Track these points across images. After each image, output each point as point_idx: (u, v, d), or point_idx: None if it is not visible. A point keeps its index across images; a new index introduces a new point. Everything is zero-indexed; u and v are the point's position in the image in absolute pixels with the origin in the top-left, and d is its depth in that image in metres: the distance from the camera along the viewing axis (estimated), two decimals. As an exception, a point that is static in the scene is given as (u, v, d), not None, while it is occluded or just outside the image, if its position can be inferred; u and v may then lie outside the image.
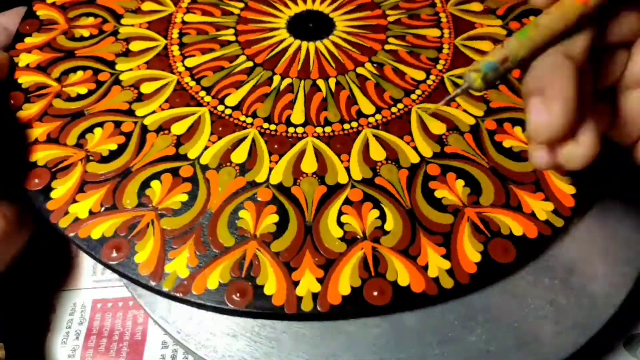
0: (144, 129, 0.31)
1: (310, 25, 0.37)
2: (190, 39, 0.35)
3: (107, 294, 0.30)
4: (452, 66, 0.34)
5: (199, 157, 0.29)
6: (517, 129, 0.31)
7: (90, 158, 0.29)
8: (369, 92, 0.33)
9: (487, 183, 0.28)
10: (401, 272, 0.25)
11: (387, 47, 0.35)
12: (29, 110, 0.31)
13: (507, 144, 0.30)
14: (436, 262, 0.26)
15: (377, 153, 0.30)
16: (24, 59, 0.34)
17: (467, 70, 0.21)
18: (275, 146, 0.30)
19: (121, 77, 0.33)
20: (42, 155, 0.29)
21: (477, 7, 0.38)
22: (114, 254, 0.26)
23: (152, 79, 0.33)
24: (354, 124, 0.31)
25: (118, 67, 0.34)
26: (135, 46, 0.35)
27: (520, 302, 0.26)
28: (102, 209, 0.28)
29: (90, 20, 0.36)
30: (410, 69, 0.34)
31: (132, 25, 0.36)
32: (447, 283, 0.25)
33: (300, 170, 0.29)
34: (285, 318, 0.25)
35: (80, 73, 0.33)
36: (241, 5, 0.38)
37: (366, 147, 0.30)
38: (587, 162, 0.20)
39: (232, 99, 0.32)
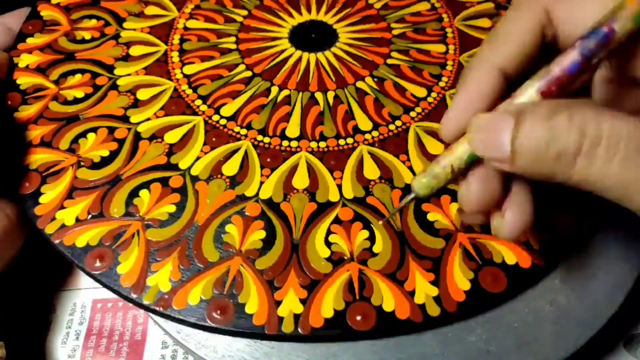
0: (137, 136, 0.30)
1: (312, 36, 0.36)
2: (190, 46, 0.35)
3: (107, 294, 0.30)
4: (455, 84, 0.33)
5: (189, 168, 0.29)
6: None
7: (82, 164, 0.29)
8: (367, 108, 0.32)
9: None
10: (387, 297, 0.25)
11: (389, 61, 0.35)
12: (26, 112, 0.31)
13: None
14: (424, 288, 0.25)
15: (371, 171, 0.29)
16: (24, 60, 0.34)
17: (412, 180, 0.22)
18: (268, 160, 0.30)
19: (119, 82, 0.33)
20: (34, 158, 0.29)
21: (485, 23, 0.37)
22: (98, 264, 0.26)
23: (150, 85, 0.33)
24: (350, 140, 0.31)
25: (117, 71, 0.33)
26: (135, 51, 0.35)
27: (520, 302, 0.26)
28: (89, 216, 0.27)
29: (93, 22, 0.36)
30: (412, 85, 0.33)
31: (134, 30, 0.36)
32: (434, 311, 0.25)
33: (291, 185, 0.29)
34: (265, 338, 0.25)
35: (78, 76, 0.33)
36: (244, 13, 0.37)
37: (360, 164, 0.29)
38: (512, 237, 0.21)
39: (228, 109, 0.32)
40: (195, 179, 0.29)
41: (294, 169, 0.29)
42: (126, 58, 0.34)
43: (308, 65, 0.35)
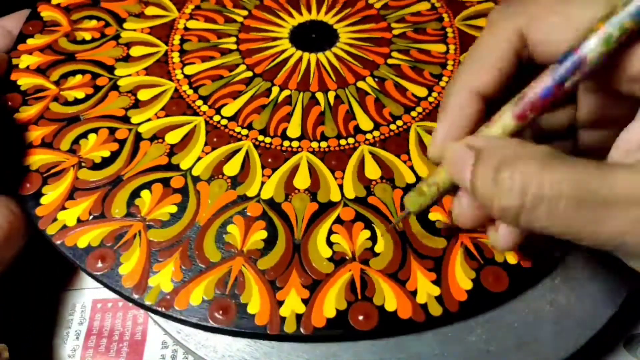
0: (138, 137, 0.30)
1: (313, 36, 0.36)
2: (191, 46, 0.35)
3: (107, 294, 0.30)
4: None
5: (191, 168, 0.29)
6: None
7: (83, 164, 0.29)
8: (368, 108, 0.32)
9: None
10: (389, 297, 0.25)
11: (390, 61, 0.35)
12: (26, 113, 0.31)
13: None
14: (425, 288, 0.25)
15: (373, 171, 0.29)
16: (24, 61, 0.34)
17: (405, 197, 0.24)
18: (269, 160, 0.30)
19: (119, 83, 0.33)
20: (35, 159, 0.29)
21: (485, 22, 0.37)
22: (99, 264, 0.26)
23: (150, 86, 0.33)
24: (351, 140, 0.31)
25: (117, 72, 0.33)
26: (135, 51, 0.35)
27: (520, 302, 0.26)
28: (91, 217, 0.27)
29: (93, 23, 0.36)
30: (413, 84, 0.33)
31: (134, 30, 0.36)
32: (436, 310, 0.25)
33: (293, 185, 0.29)
34: (267, 338, 0.25)
35: (79, 77, 0.33)
36: (245, 13, 0.37)
37: (361, 164, 0.29)
38: (509, 250, 0.21)
39: (229, 110, 0.32)
40: (196, 179, 0.29)
41: (295, 169, 0.29)
42: (127, 59, 0.34)
43: (309, 65, 0.35)
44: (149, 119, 0.31)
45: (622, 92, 0.19)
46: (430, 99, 0.33)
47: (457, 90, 0.21)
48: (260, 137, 0.31)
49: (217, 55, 0.35)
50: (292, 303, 0.25)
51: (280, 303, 0.25)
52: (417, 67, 0.34)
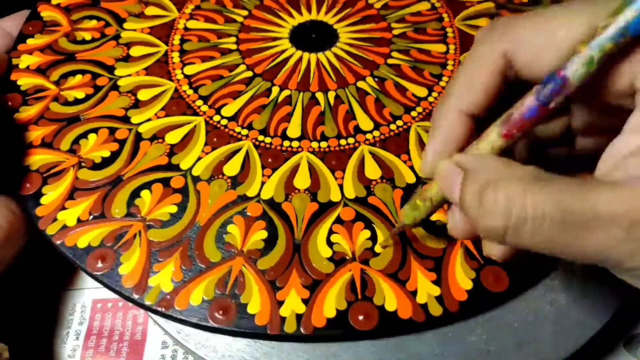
0: (138, 137, 0.30)
1: (313, 36, 0.36)
2: (191, 46, 0.35)
3: (107, 294, 0.30)
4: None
5: (191, 168, 0.29)
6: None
7: (83, 164, 0.29)
8: (368, 108, 0.32)
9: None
10: (389, 297, 0.25)
11: (390, 61, 0.35)
12: (26, 113, 0.31)
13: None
14: (426, 288, 0.25)
15: (373, 171, 0.29)
16: (24, 61, 0.34)
17: (401, 210, 0.24)
18: (269, 160, 0.30)
19: (119, 83, 0.33)
20: (35, 159, 0.29)
21: (485, 22, 0.37)
22: (99, 264, 0.26)
23: (150, 86, 0.33)
24: (351, 140, 0.31)
25: (117, 72, 0.33)
26: (135, 51, 0.35)
27: (520, 302, 0.26)
28: (91, 217, 0.27)
29: (93, 23, 0.36)
30: (413, 84, 0.33)
31: (134, 30, 0.36)
32: (436, 310, 0.25)
33: (293, 185, 0.29)
34: (267, 338, 0.25)
35: (79, 77, 0.33)
36: (245, 13, 0.37)
37: (361, 164, 0.29)
38: (502, 259, 0.21)
39: (229, 109, 0.32)
40: (196, 179, 0.29)
41: (295, 169, 0.29)
42: (127, 59, 0.34)
43: (309, 65, 0.35)
44: (149, 119, 0.31)
45: (612, 105, 0.19)
46: (430, 99, 0.33)
47: (445, 110, 0.22)
48: (260, 137, 0.31)
49: (217, 55, 0.35)
50: (292, 303, 0.25)
51: (281, 303, 0.25)
52: (417, 67, 0.34)
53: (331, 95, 0.33)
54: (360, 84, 0.34)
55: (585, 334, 0.25)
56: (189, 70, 0.34)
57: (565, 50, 0.18)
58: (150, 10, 0.37)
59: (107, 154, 0.30)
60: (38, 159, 0.29)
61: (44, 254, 0.29)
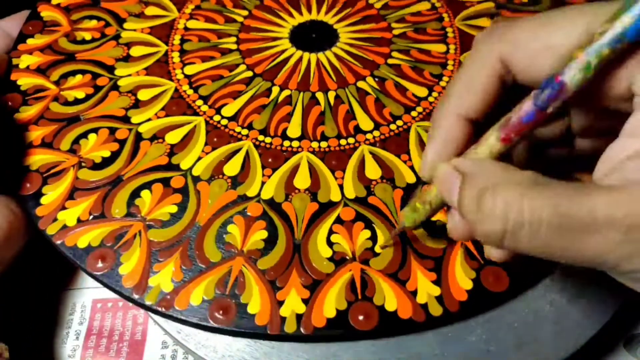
0: (138, 137, 0.30)
1: (313, 36, 0.36)
2: (191, 46, 0.35)
3: (107, 294, 0.30)
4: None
5: (191, 168, 0.29)
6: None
7: (83, 164, 0.29)
8: (368, 108, 0.32)
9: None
10: (389, 297, 0.25)
11: (390, 61, 0.35)
12: (26, 113, 0.31)
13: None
14: (426, 288, 0.25)
15: (373, 171, 0.29)
16: (24, 61, 0.34)
17: (401, 212, 0.24)
18: (269, 160, 0.30)
19: (119, 83, 0.33)
20: (35, 159, 0.29)
21: (485, 22, 0.37)
22: (99, 264, 0.26)
23: (150, 86, 0.33)
24: (351, 140, 0.31)
25: (117, 72, 0.33)
26: (135, 51, 0.35)
27: (520, 302, 0.26)
28: (91, 217, 0.27)
29: (93, 23, 0.36)
30: (413, 84, 0.33)
31: (134, 30, 0.36)
32: (436, 310, 0.25)
33: (293, 185, 0.29)
34: (268, 338, 0.25)
35: (79, 77, 0.33)
36: (245, 13, 0.37)
37: (362, 164, 0.29)
38: (501, 260, 0.22)
39: (229, 109, 0.32)
40: (196, 179, 0.29)
41: (295, 169, 0.29)
42: (127, 59, 0.34)
43: (309, 65, 0.35)
44: (149, 119, 0.31)
45: (610, 109, 0.19)
46: (431, 99, 0.33)
47: (444, 114, 0.22)
48: (261, 137, 0.31)
49: (217, 55, 0.35)
50: (292, 303, 0.25)
51: (281, 303, 0.25)
52: (418, 67, 0.34)
53: (331, 95, 0.33)
54: (361, 84, 0.34)
55: (585, 334, 0.25)
56: (189, 70, 0.34)
57: (562, 56, 0.18)
58: (150, 10, 0.37)
59: (107, 154, 0.30)
60: (38, 159, 0.29)
61: (44, 254, 0.29)
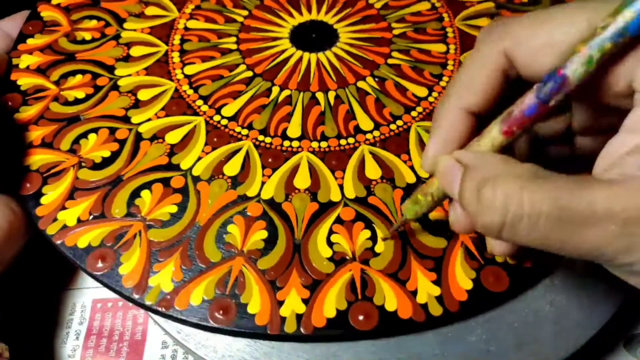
0: (138, 137, 0.30)
1: (313, 36, 0.36)
2: (191, 46, 0.35)
3: (107, 294, 0.30)
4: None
5: (191, 168, 0.29)
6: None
7: (83, 164, 0.29)
8: (368, 108, 0.32)
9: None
10: (389, 297, 0.25)
11: (390, 61, 0.35)
12: (26, 113, 0.31)
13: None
14: (426, 288, 0.25)
15: (373, 171, 0.29)
16: (24, 60, 0.34)
17: (402, 205, 0.25)
18: (269, 160, 0.30)
19: (119, 83, 0.33)
20: (35, 159, 0.29)
21: (485, 22, 0.37)
22: (99, 264, 0.26)
23: (150, 86, 0.33)
24: (351, 140, 0.31)
25: (117, 72, 0.33)
26: (135, 51, 0.35)
27: (520, 302, 0.26)
28: (91, 217, 0.27)
29: (93, 23, 0.36)
30: (413, 84, 0.33)
31: (135, 30, 0.36)
32: (436, 310, 0.25)
33: (293, 185, 0.29)
34: (268, 338, 0.25)
35: (79, 77, 0.33)
36: (245, 13, 0.37)
37: (362, 164, 0.29)
38: (504, 255, 0.22)
39: (229, 109, 0.32)
40: (196, 179, 0.29)
41: (295, 169, 0.29)
42: (127, 59, 0.34)
43: (309, 65, 0.35)
44: (149, 119, 0.31)
45: (610, 106, 0.19)
46: (431, 99, 0.33)
47: (447, 107, 0.22)
48: (261, 137, 0.31)
49: (218, 55, 0.35)
50: (293, 303, 0.25)
51: (281, 303, 0.25)
52: (418, 67, 0.34)
53: (331, 95, 0.33)
54: (361, 84, 0.34)
55: (585, 334, 0.25)
56: (189, 70, 0.34)
57: (562, 52, 0.19)
58: (151, 10, 0.37)
59: (107, 154, 0.30)
60: (38, 159, 0.29)
61: (44, 254, 0.29)
